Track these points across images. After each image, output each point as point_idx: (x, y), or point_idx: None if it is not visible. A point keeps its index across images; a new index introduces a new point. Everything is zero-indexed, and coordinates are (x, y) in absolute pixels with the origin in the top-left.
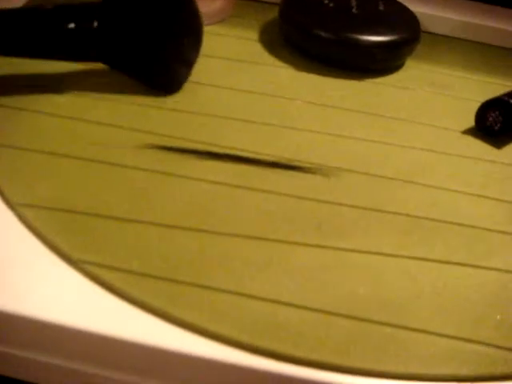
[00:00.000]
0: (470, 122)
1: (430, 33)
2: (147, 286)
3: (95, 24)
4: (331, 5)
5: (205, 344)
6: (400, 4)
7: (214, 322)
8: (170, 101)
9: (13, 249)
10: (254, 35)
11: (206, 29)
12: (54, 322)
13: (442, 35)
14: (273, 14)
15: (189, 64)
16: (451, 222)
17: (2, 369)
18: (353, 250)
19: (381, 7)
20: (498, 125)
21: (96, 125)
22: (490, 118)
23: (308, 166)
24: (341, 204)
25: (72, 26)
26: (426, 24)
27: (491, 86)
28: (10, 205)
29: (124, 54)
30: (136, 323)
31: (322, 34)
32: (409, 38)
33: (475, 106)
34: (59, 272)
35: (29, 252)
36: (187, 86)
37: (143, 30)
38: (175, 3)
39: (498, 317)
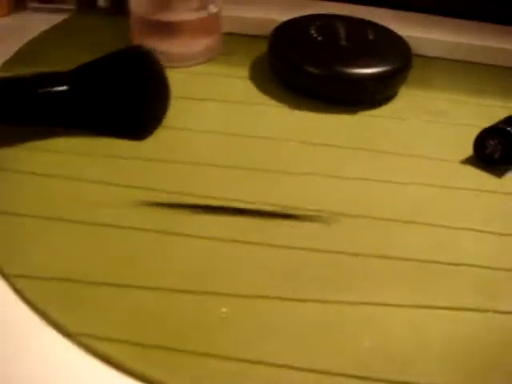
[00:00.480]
0: (469, 150)
1: (421, 56)
2: (145, 357)
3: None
4: (320, 38)
5: None
6: (389, 31)
7: None
8: (160, 151)
9: (6, 321)
10: (243, 72)
11: (195, 69)
12: None
13: (434, 57)
14: (262, 47)
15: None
16: (455, 264)
17: None
18: (355, 303)
19: (370, 36)
20: (498, 153)
21: (87, 183)
22: (489, 147)
23: (307, 213)
24: (342, 252)
25: (44, 90)
26: (416, 47)
27: (488, 109)
28: (4, 275)
29: (94, 113)
30: None
31: (312, 69)
32: (401, 66)
33: (473, 132)
34: (55, 346)
35: (24, 325)
36: (175, 134)
37: (111, 92)
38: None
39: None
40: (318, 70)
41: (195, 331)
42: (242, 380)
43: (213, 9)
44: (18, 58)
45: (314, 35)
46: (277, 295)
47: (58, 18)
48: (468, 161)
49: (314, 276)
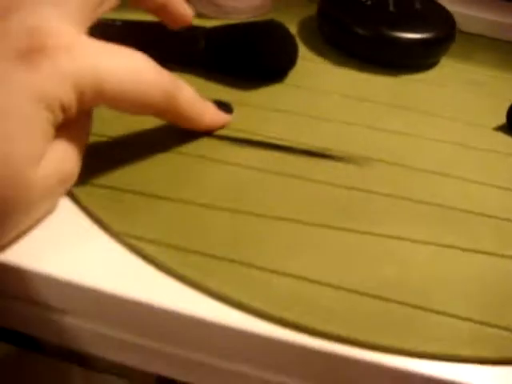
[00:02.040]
0: (502, 119)
1: (465, 32)
2: (185, 260)
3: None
4: (369, 2)
5: (237, 315)
6: (436, 3)
7: (247, 296)
8: (207, 91)
9: (60, 222)
10: (293, 30)
11: None
12: (99, 289)
13: (477, 34)
14: (312, 9)
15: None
16: (479, 213)
17: (49, 335)
18: (382, 235)
19: (417, 6)
20: None
21: None
22: None
23: (341, 155)
24: (372, 192)
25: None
26: (461, 23)
27: None
28: None
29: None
30: (173, 293)
31: (360, 31)
32: (444, 36)
33: (508, 105)
34: (103, 244)
35: (75, 225)
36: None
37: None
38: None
39: None
40: (365, 31)
41: (229, 242)
42: (270, 287)
43: None
44: None
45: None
46: (306, 220)
47: None
48: (501, 128)
49: (343, 207)
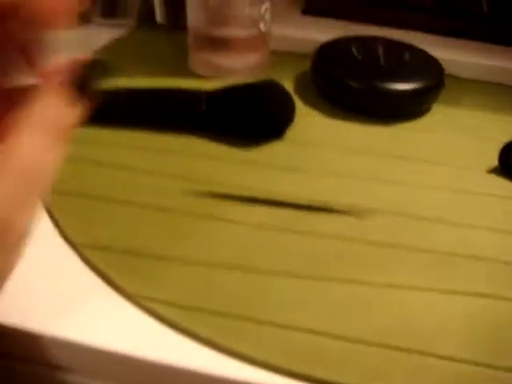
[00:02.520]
0: (495, 161)
1: (454, 76)
2: (196, 318)
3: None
4: (360, 57)
5: (250, 371)
6: (424, 52)
7: (257, 350)
8: (209, 150)
9: (76, 286)
10: (288, 86)
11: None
12: (113, 351)
13: (466, 78)
14: (306, 65)
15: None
16: (477, 257)
17: None
18: (385, 285)
19: (406, 57)
20: None
21: (147, 174)
22: None
23: (342, 208)
24: (373, 243)
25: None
26: (449, 68)
27: None
28: (73, 245)
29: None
30: (186, 352)
31: (353, 84)
32: (434, 84)
33: (499, 146)
34: (117, 306)
35: (91, 289)
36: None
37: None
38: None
39: None
40: (358, 84)
41: (239, 299)
42: (280, 341)
43: (263, 27)
44: None
45: (355, 54)
46: (311, 275)
47: (119, 33)
48: (494, 171)
49: (346, 260)
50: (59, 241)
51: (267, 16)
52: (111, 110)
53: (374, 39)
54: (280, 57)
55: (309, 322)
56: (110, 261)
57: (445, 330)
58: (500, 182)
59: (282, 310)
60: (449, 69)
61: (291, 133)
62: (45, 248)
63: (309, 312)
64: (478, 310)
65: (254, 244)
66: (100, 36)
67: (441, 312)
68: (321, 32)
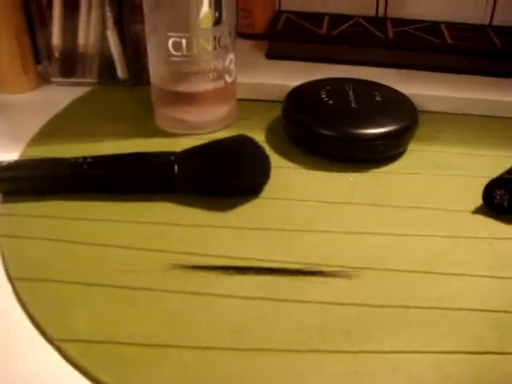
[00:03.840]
0: (479, 200)
1: (427, 111)
2: None
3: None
4: (331, 102)
5: None
6: (395, 91)
7: None
8: (185, 217)
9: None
10: (260, 136)
11: (215, 135)
12: None
13: (440, 112)
14: (276, 111)
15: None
16: (475, 309)
17: None
18: (382, 352)
19: (378, 98)
20: (506, 202)
21: (121, 249)
22: (498, 197)
23: (330, 269)
24: (366, 305)
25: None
26: (422, 104)
27: (496, 159)
28: (50, 340)
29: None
30: None
31: (325, 132)
32: (408, 124)
33: (481, 182)
34: None
35: None
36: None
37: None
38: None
39: None
40: (330, 132)
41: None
42: None
43: (228, 78)
44: (45, 131)
45: (325, 99)
46: (307, 349)
47: (80, 91)
48: (479, 210)
49: (341, 329)
50: (35, 335)
51: (232, 67)
52: (77, 181)
53: (343, 80)
54: (248, 105)
55: None
56: (92, 355)
57: None
58: (486, 222)
59: None
60: (421, 104)
61: (268, 189)
62: (19, 342)
63: None
64: (485, 370)
65: (247, 320)
66: (60, 96)
67: (446, 377)
68: (287, 76)
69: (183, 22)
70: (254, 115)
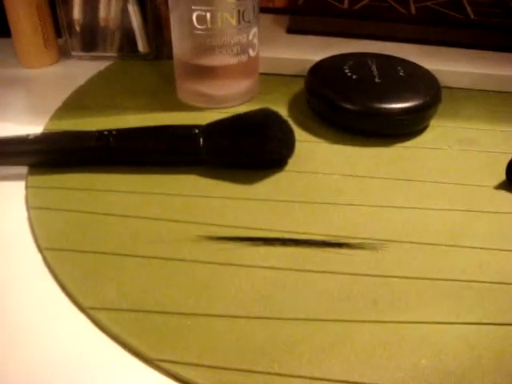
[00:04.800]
0: (502, 175)
1: (449, 88)
2: (224, 379)
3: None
4: (354, 76)
5: None
6: (418, 66)
7: None
8: (211, 189)
9: (88, 351)
10: (282, 110)
11: (237, 109)
12: None
13: (462, 88)
14: (299, 86)
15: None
16: (500, 282)
17: None
18: (409, 322)
19: (401, 73)
20: None
21: (151, 221)
22: None
23: (356, 241)
24: (392, 276)
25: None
26: (444, 80)
27: None
28: (82, 309)
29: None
30: None
31: (350, 106)
32: (432, 100)
33: (504, 158)
34: (137, 371)
35: (105, 353)
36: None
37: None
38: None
39: None
40: (355, 106)
41: (264, 353)
42: None
43: (252, 52)
44: (68, 105)
45: (349, 74)
46: (335, 318)
47: (101, 65)
48: (501, 186)
49: (367, 299)
50: (66, 303)
51: (255, 41)
52: (103, 154)
53: (366, 55)
54: (269, 80)
55: (336, 371)
56: (123, 322)
57: (477, 369)
58: (509, 198)
59: (308, 361)
60: (443, 80)
61: (292, 162)
62: (51, 310)
63: (335, 360)
64: (511, 341)
65: (275, 290)
66: (81, 70)
67: (471, 347)
68: (308, 51)
69: None
70: (276, 90)
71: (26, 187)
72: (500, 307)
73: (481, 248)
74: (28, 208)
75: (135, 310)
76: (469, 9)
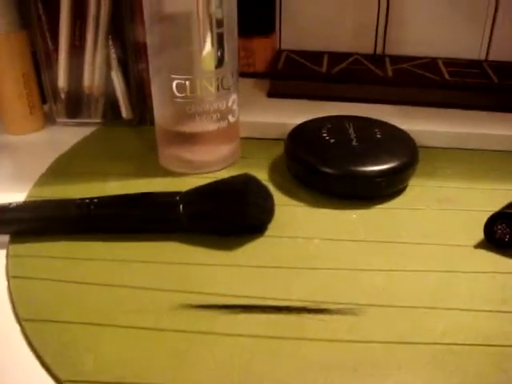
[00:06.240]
0: (481, 234)
1: (427, 147)
2: None
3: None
4: (332, 140)
5: None
6: (394, 127)
7: None
8: (191, 256)
9: None
10: (264, 175)
11: (218, 174)
12: None
13: (440, 147)
14: (279, 149)
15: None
16: (480, 344)
17: None
18: None
19: (378, 135)
20: (508, 236)
21: (130, 289)
22: (499, 231)
23: (335, 307)
24: (371, 342)
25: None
26: (422, 139)
27: (496, 193)
28: (59, 381)
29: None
30: None
31: (328, 170)
32: (410, 161)
33: (482, 216)
34: None
35: None
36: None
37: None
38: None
39: None
40: (333, 170)
41: None
42: None
43: (231, 118)
44: (52, 172)
45: (327, 138)
46: None
47: (86, 131)
48: (480, 245)
49: (348, 366)
50: (43, 376)
51: (235, 107)
52: (84, 222)
53: (343, 118)
54: (250, 144)
55: None
56: None
57: None
58: (489, 257)
59: None
60: (420, 140)
61: (272, 226)
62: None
63: None
64: None
65: (254, 358)
66: (66, 136)
67: None
68: (288, 114)
69: (186, 64)
70: (256, 153)
71: (7, 256)
72: (481, 371)
73: (461, 309)
74: (8, 278)
75: (113, 382)
76: (444, 69)
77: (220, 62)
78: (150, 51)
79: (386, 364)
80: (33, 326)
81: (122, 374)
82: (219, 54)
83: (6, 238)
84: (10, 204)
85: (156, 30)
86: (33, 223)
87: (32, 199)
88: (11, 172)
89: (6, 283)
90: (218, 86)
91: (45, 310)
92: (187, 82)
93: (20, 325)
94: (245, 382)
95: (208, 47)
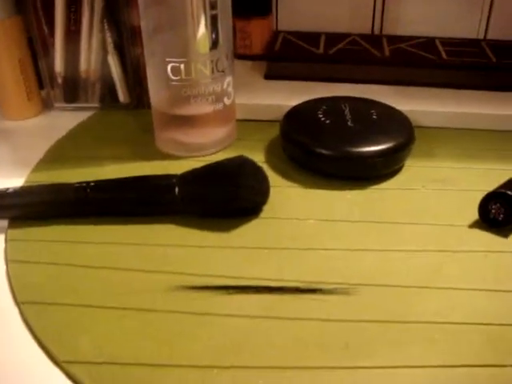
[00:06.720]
0: (475, 214)
1: (423, 127)
2: None
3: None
4: (328, 121)
5: None
6: (390, 108)
7: None
8: (187, 238)
9: None
10: (260, 156)
11: (214, 157)
12: None
13: (436, 127)
14: (274, 131)
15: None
16: (471, 323)
17: None
18: (381, 367)
19: (374, 115)
20: (502, 216)
21: (126, 271)
22: (493, 211)
23: (329, 287)
24: (364, 321)
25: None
26: (418, 119)
27: (491, 173)
28: (57, 362)
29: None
30: None
31: (324, 151)
32: (405, 141)
33: (477, 196)
34: None
35: None
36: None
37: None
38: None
39: None
40: (328, 151)
41: None
42: None
43: (227, 101)
44: (50, 157)
45: (322, 119)
46: (308, 365)
47: (83, 116)
48: (475, 224)
49: (339, 344)
50: (42, 357)
51: (230, 89)
52: (81, 206)
53: (339, 99)
54: (247, 126)
55: None
56: (97, 375)
57: None
58: (483, 236)
59: None
60: (416, 120)
61: (268, 209)
62: (26, 364)
63: None
64: (482, 381)
65: (248, 338)
66: (64, 121)
67: None
68: (285, 96)
69: (181, 47)
70: (253, 136)
71: (6, 240)
72: (472, 349)
73: (453, 288)
74: (7, 261)
75: (110, 362)
76: (441, 49)
77: (214, 44)
78: (144, 35)
79: (378, 343)
80: (31, 309)
81: (118, 355)
82: (213, 36)
83: (4, 222)
84: (8, 189)
85: (150, 13)
86: (30, 208)
87: (30, 184)
88: (9, 157)
89: (5, 267)
90: (212, 68)
91: (43, 292)
92: (182, 65)
93: (18, 307)
94: (237, 362)
95: (202, 29)
